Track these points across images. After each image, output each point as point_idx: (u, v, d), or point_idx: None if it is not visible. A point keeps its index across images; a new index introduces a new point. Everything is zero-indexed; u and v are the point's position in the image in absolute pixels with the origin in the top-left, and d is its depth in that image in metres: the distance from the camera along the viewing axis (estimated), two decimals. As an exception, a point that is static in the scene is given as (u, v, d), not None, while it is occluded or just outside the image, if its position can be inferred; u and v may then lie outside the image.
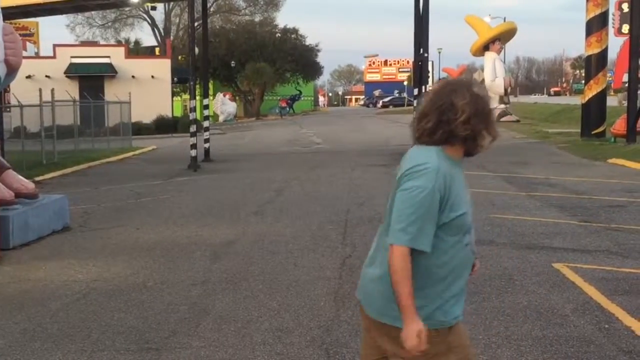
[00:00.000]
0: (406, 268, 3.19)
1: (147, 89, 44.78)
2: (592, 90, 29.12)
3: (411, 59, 29.23)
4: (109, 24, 73.75)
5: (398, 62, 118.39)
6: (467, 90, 3.32)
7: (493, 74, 48.24)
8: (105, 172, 22.55)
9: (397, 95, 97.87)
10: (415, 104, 26.83)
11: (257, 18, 77.37)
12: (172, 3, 67.66)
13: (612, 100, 39.54)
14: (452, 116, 3.29)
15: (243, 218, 13.02)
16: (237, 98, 68.94)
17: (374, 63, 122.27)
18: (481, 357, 5.84)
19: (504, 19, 61.84)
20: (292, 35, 73.83)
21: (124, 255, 10.05)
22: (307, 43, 74.79)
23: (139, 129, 39.04)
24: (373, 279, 3.40)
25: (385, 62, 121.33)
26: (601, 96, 29.15)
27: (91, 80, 44.65)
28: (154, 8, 61.97)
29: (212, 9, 68.59)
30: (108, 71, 46.27)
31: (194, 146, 23.07)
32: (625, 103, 30.08)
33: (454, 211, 3.29)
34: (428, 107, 3.38)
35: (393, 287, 3.20)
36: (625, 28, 29.71)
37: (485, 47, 49.24)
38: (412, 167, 3.29)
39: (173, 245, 10.68)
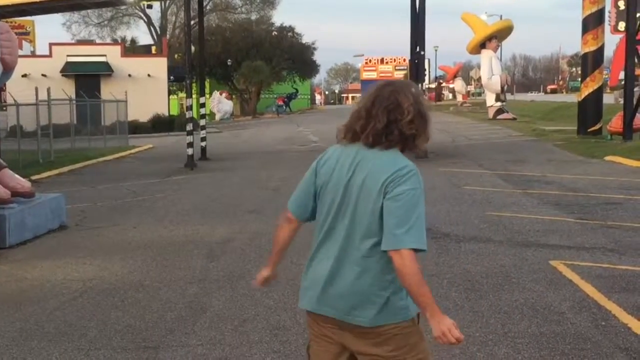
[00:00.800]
0: (419, 269, 3.22)
1: (143, 87, 44.72)
2: (588, 88, 29.16)
3: (408, 57, 29.17)
4: (105, 22, 73.59)
5: (394, 60, 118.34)
6: (410, 92, 3.39)
7: (490, 71, 48.29)
8: (101, 171, 22.52)
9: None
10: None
11: (254, 16, 77.23)
12: (168, 1, 67.69)
13: (608, 98, 39.61)
14: (399, 116, 3.33)
15: (240, 216, 13.02)
16: (233, 96, 68.88)
17: (370, 61, 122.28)
18: (478, 355, 5.85)
19: (501, 16, 61.84)
20: (289, 34, 73.76)
21: (120, 253, 10.04)
22: (303, 41, 74.77)
23: (136, 128, 38.96)
24: (355, 289, 3.37)
25: (382, 60, 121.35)
26: (597, 94, 29.20)
27: (87, 78, 44.58)
28: (150, 6, 61.87)
29: (208, 7, 68.51)
30: (104, 70, 46.20)
31: (190, 145, 23.03)
32: (621, 100, 30.10)
33: None
34: (373, 108, 3.40)
35: (413, 289, 3.20)
36: (622, 25, 29.74)
37: (482, 45, 49.26)
38: (395, 172, 3.29)
39: (170, 243, 10.68)
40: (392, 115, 3.33)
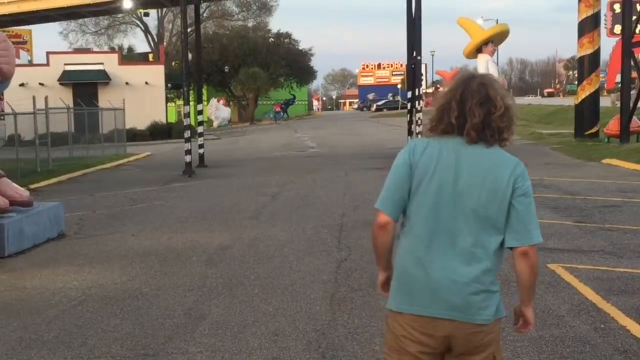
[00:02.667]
0: None
1: (140, 95, 44.80)
2: (585, 91, 29.16)
3: (404, 62, 29.21)
4: (102, 30, 73.67)
5: (391, 65, 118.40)
6: (496, 84, 3.38)
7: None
8: (100, 179, 22.53)
9: (390, 98, 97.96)
10: (408, 107, 26.85)
11: (250, 23, 77.36)
12: (165, 9, 67.69)
13: (605, 101, 39.60)
14: (493, 109, 3.31)
15: (238, 223, 13.02)
16: (231, 103, 68.98)
17: (367, 67, 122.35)
18: (477, 359, 5.83)
19: (497, 21, 61.73)
20: (286, 40, 73.90)
21: (119, 261, 10.04)
22: (300, 47, 74.82)
23: (133, 136, 39.03)
24: (475, 287, 3.33)
25: (379, 65, 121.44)
26: (594, 97, 29.20)
27: (85, 87, 44.64)
28: (146, 14, 61.99)
29: (205, 15, 68.52)
30: (102, 78, 46.24)
31: (188, 152, 23.07)
32: (618, 103, 30.14)
33: None
34: (466, 102, 3.34)
35: (532, 282, 3.38)
36: (618, 28, 29.80)
37: (478, 50, 49.26)
38: (515, 168, 3.38)
39: (168, 251, 10.68)
40: (486, 109, 3.29)
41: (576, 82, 32.46)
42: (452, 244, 3.32)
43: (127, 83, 46.01)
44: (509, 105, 3.34)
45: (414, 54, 25.16)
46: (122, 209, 15.39)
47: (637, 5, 29.52)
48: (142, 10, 50.29)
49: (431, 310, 3.31)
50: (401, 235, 3.46)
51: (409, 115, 26.47)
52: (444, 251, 3.32)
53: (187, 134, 23.79)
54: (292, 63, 71.02)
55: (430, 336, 3.34)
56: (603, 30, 33.29)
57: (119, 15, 65.56)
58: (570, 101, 38.93)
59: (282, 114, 74.07)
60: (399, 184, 3.41)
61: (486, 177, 3.30)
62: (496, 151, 3.37)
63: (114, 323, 7.12)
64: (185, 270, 9.33)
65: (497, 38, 55.79)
